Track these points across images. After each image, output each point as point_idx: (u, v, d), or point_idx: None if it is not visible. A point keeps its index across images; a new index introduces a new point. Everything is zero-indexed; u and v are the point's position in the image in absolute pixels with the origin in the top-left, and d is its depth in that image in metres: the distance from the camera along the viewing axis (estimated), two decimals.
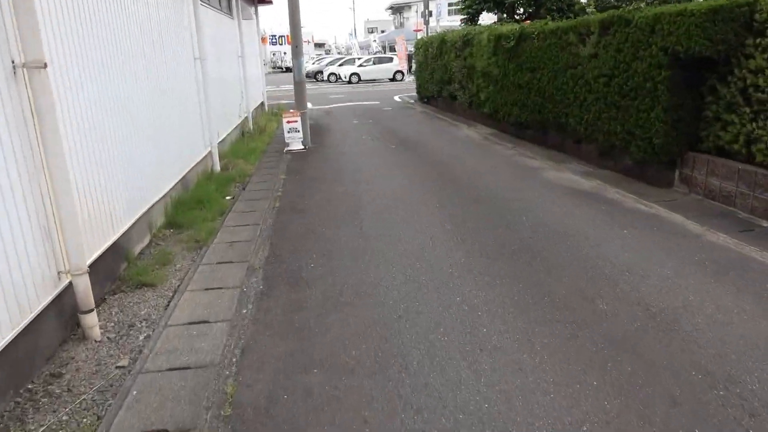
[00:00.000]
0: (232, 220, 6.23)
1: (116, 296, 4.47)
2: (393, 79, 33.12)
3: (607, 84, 7.34)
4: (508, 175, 7.77)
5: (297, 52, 10.52)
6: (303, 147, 10.60)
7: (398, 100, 20.87)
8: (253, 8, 15.71)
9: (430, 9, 35.59)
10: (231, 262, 4.95)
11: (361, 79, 32.67)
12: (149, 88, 5.87)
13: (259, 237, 5.62)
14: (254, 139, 12.03)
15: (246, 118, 13.15)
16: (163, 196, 6.18)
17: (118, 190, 4.79)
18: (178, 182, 6.82)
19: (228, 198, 7.37)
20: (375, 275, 4.45)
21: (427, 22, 35.06)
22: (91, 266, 3.88)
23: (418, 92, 19.63)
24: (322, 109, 18.33)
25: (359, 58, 37.36)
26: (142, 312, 4.19)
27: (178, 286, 4.59)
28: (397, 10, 71.29)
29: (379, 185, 7.42)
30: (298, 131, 10.46)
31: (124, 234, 4.88)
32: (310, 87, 31.96)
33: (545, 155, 9.05)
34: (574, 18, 9.32)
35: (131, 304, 4.33)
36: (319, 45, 74.74)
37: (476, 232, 5.38)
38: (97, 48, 4.51)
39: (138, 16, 5.66)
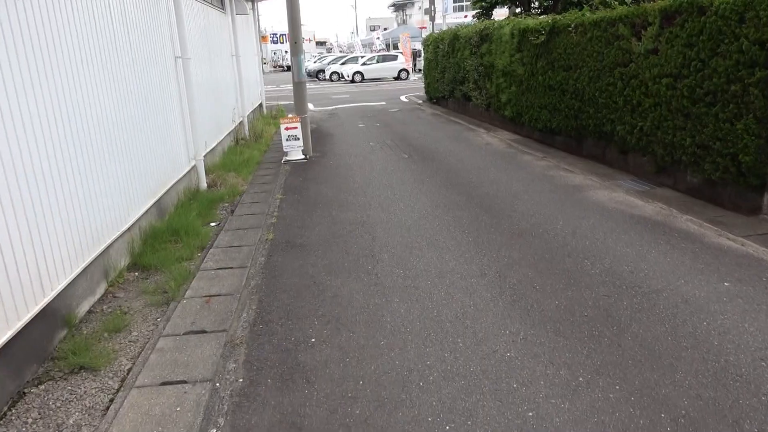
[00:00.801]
0: (213, 260, 4.95)
1: (42, 387, 3.20)
2: (398, 78, 31.82)
3: (672, 86, 6.04)
4: (548, 196, 6.48)
5: (296, 48, 9.23)
6: (304, 157, 9.32)
7: (405, 100, 19.58)
8: (249, 3, 14.41)
9: (435, 5, 34.26)
10: (204, 331, 3.67)
11: (365, 77, 31.37)
12: (110, 97, 4.59)
13: (244, 288, 4.34)
14: (250, 146, 10.76)
15: (241, 122, 11.88)
16: (130, 228, 4.91)
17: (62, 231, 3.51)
18: (152, 206, 5.56)
19: (212, 225, 6.10)
20: (401, 362, 3.17)
21: (432, 18, 33.74)
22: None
23: (426, 92, 18.34)
24: (325, 111, 17.05)
25: (362, 56, 36.04)
26: (70, 420, 2.92)
27: (128, 371, 3.32)
28: (399, 7, 69.95)
29: (396, 211, 6.14)
30: (298, 139, 9.18)
31: (63, 291, 3.61)
32: (311, 86, 30.66)
33: (585, 168, 7.75)
34: (593, 11, 7.98)
35: (59, 403, 3.05)
36: (320, 43, 73.40)
37: (529, 285, 4.09)
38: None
39: (90, 10, 4.38)
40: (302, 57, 9.31)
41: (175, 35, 6.84)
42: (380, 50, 41.72)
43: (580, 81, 7.98)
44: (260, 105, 16.13)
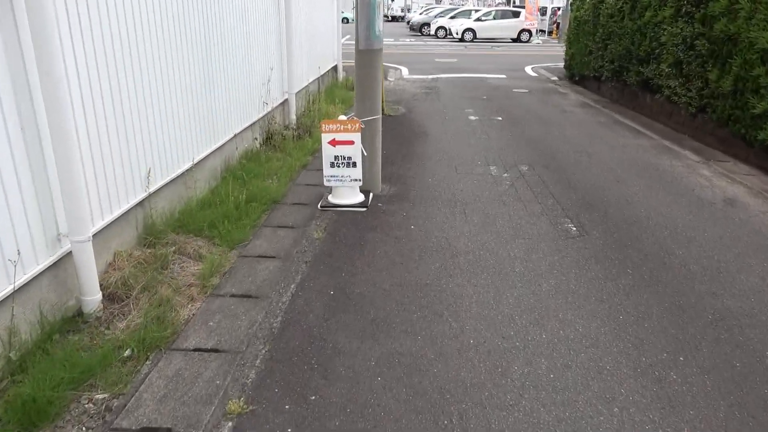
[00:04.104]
0: None
1: None
2: (517, 39, 26.13)
3: None
4: None
5: None
6: (362, 201, 4.80)
7: (532, 74, 14.34)
8: None
9: None
10: None
11: (477, 36, 25.93)
12: None
13: None
14: (285, 150, 6.40)
15: (285, 103, 7.48)
16: None
17: None
18: None
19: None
20: None
21: None
22: None
23: (567, 66, 13.05)
24: (422, 82, 12.27)
25: (476, 10, 30.37)
26: None
27: None
28: None
29: None
30: (354, 165, 4.64)
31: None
32: (412, 42, 25.50)
33: None
34: None
35: None
36: None
37: None
38: None
39: None
40: (376, 4, 4.60)
41: None
42: (498, 4, 35.69)
43: None
44: (334, 68, 11.62)
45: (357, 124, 4.55)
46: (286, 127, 7.48)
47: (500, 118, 8.53)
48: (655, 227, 4.35)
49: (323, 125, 4.59)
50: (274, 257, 3.78)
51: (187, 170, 4.47)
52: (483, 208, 4.73)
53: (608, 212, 4.66)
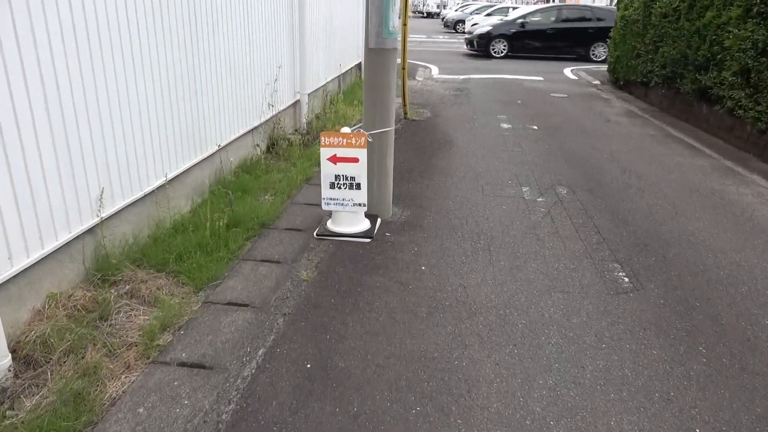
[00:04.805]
0: None
1: None
2: None
3: None
4: None
5: None
6: (366, 228, 4.02)
7: (572, 76, 13.33)
8: None
9: None
10: None
11: None
12: None
13: None
14: (290, 159, 5.71)
15: (295, 104, 6.76)
16: None
17: None
18: None
19: None
20: None
21: None
22: None
23: (611, 69, 12.02)
24: (452, 83, 11.41)
25: (514, 8, 29.20)
26: None
27: None
28: None
29: None
30: (358, 186, 3.87)
31: None
32: (446, 40, 24.47)
33: None
34: None
35: None
36: None
37: None
38: None
39: None
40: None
41: None
42: (537, 1, 34.40)
43: None
44: (357, 66, 10.85)
45: (363, 139, 3.77)
46: (298, 131, 6.76)
47: (536, 127, 7.65)
48: (729, 281, 3.46)
49: (323, 137, 3.83)
50: (246, 306, 3.04)
51: (160, 187, 3.76)
52: (512, 244, 3.90)
53: (667, 256, 3.78)
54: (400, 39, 3.94)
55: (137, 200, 3.55)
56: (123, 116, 3.32)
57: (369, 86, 4.00)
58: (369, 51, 3.92)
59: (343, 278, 3.37)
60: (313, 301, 3.10)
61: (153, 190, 3.70)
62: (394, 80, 4.04)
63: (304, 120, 6.88)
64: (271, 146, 5.98)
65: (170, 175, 3.91)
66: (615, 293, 3.27)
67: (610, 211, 4.59)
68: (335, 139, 3.80)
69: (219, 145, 4.68)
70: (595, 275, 3.48)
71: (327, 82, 8.34)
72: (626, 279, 3.45)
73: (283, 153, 5.85)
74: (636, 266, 3.63)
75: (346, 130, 3.85)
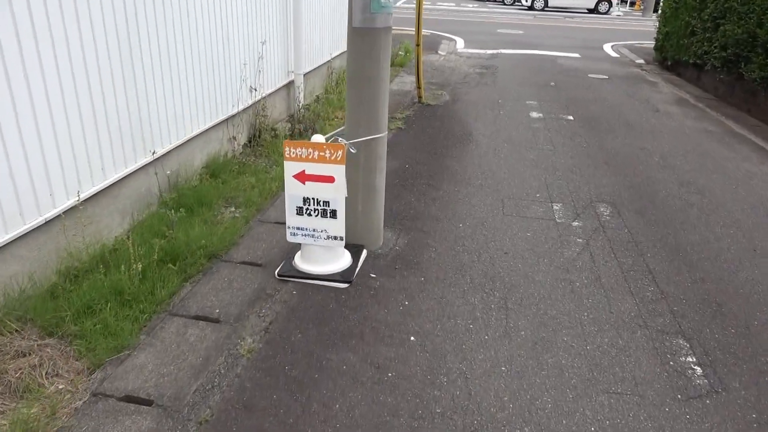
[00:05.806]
0: None
1: None
2: (594, 10, 23.17)
3: None
4: None
5: None
6: (343, 271, 3.04)
7: (613, 53, 11.98)
8: None
9: None
10: None
11: (548, 4, 23.11)
12: None
13: None
14: (272, 156, 4.76)
15: (289, 85, 5.75)
16: None
17: None
18: None
19: None
20: None
21: None
22: None
23: (658, 47, 10.66)
24: (479, 59, 10.21)
25: None
26: None
27: None
28: None
29: None
30: (331, 213, 2.88)
31: None
32: (475, 9, 22.72)
33: None
34: None
35: None
36: None
37: None
38: None
39: None
40: None
41: None
42: None
43: None
44: None
45: (340, 152, 2.76)
46: (294, 117, 5.77)
47: (571, 118, 6.52)
48: None
49: (286, 147, 2.83)
50: (151, 403, 2.12)
51: (70, 208, 2.83)
52: (537, 299, 2.90)
53: (751, 327, 2.74)
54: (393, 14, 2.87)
55: (33, 229, 2.63)
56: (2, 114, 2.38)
57: (353, 80, 2.97)
58: (353, 31, 2.87)
59: (298, 354, 2.42)
60: (246, 398, 2.16)
61: (59, 214, 2.77)
62: (387, 71, 3.01)
63: (300, 104, 5.87)
64: (254, 137, 5.01)
65: (91, 190, 2.98)
66: (685, 398, 2.27)
67: (667, 246, 3.53)
68: (303, 150, 2.81)
69: (188, 136, 3.73)
70: (654, 360, 2.47)
71: (333, 58, 7.27)
72: (698, 370, 2.43)
73: (266, 147, 4.88)
74: (710, 344, 2.60)
75: (319, 138, 2.85)
